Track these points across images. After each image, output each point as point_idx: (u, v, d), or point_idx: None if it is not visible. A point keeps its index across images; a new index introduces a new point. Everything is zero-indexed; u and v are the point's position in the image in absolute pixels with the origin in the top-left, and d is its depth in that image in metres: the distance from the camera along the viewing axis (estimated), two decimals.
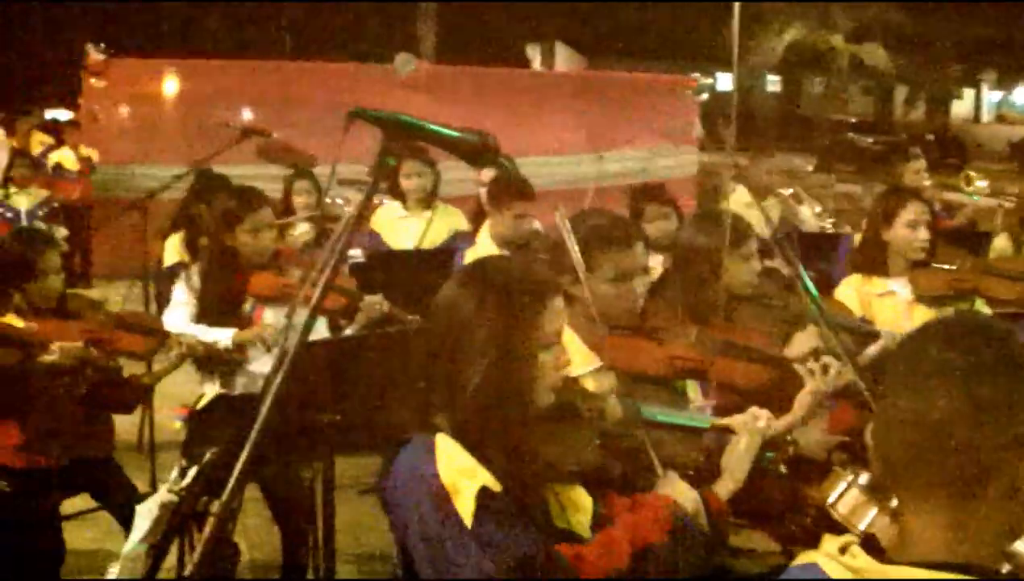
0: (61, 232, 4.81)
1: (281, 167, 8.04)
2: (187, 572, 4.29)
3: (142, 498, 4.77)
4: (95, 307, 4.63)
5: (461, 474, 2.31)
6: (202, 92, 12.47)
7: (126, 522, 4.60)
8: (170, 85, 12.64)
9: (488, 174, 6.42)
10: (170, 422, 5.69)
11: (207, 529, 2.00)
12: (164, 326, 4.67)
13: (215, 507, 1.96)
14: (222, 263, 4.94)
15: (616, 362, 3.38)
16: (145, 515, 2.38)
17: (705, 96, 13.81)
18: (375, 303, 4.87)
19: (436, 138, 2.15)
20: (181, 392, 5.10)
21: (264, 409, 1.95)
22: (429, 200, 6.70)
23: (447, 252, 6.02)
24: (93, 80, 12.30)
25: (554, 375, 2.54)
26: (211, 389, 4.92)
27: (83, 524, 5.11)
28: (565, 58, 32.25)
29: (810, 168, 13.26)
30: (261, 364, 4.82)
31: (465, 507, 2.28)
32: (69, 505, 4.87)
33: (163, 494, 2.46)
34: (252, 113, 11.52)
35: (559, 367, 2.56)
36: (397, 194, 6.72)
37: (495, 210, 5.64)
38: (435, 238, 6.62)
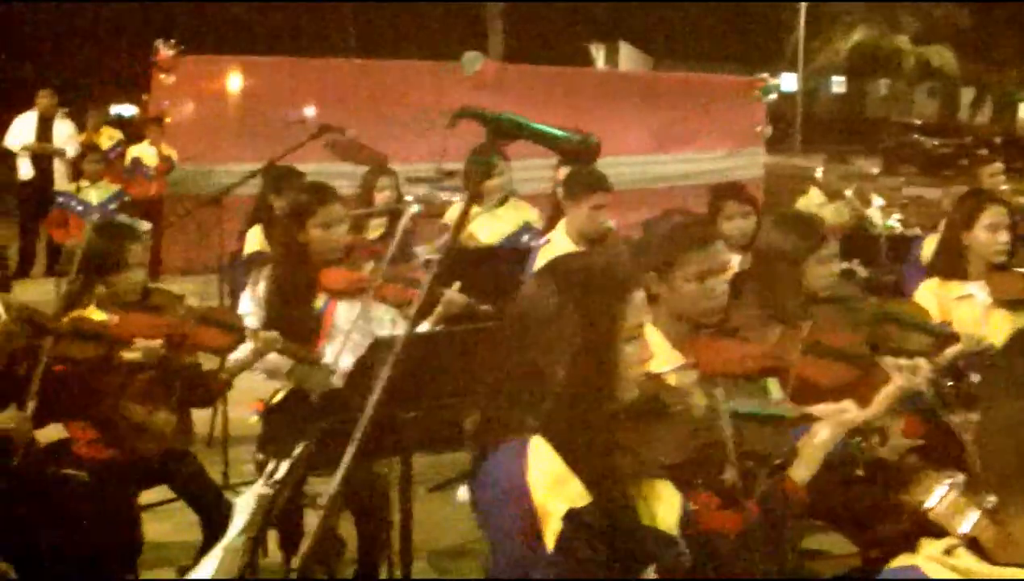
0: (143, 225, 4.84)
1: (352, 165, 8.12)
2: (293, 565, 4.37)
3: (218, 490, 4.88)
4: (177, 302, 4.64)
5: (551, 489, 2.33)
6: (271, 89, 12.57)
7: (203, 514, 4.69)
8: (239, 82, 12.72)
9: (564, 170, 6.44)
10: (243, 417, 5.74)
11: (317, 523, 2.02)
12: (244, 323, 4.69)
13: (319, 499, 1.98)
14: (293, 258, 4.94)
15: (700, 360, 3.37)
16: (243, 508, 2.40)
17: (773, 97, 13.72)
18: (454, 298, 4.86)
19: (540, 137, 2.16)
20: (252, 386, 5.12)
21: (372, 401, 1.95)
22: (504, 197, 6.74)
23: (522, 249, 6.03)
24: (162, 76, 12.43)
25: (637, 369, 2.56)
26: (285, 385, 4.96)
27: (159, 515, 5.16)
28: (629, 57, 32.18)
29: (876, 170, 13.14)
30: (334, 360, 4.86)
31: (551, 529, 2.31)
32: (146, 496, 4.90)
33: (260, 487, 2.49)
34: (321, 111, 11.59)
35: (642, 361, 2.58)
36: (475, 192, 6.75)
37: (572, 204, 5.65)
38: (505, 231, 6.70)
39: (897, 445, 3.50)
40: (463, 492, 5.22)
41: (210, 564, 2.24)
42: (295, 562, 4.37)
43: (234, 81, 12.68)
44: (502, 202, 6.75)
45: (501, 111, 2.13)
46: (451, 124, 2.11)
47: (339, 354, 4.79)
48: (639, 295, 2.56)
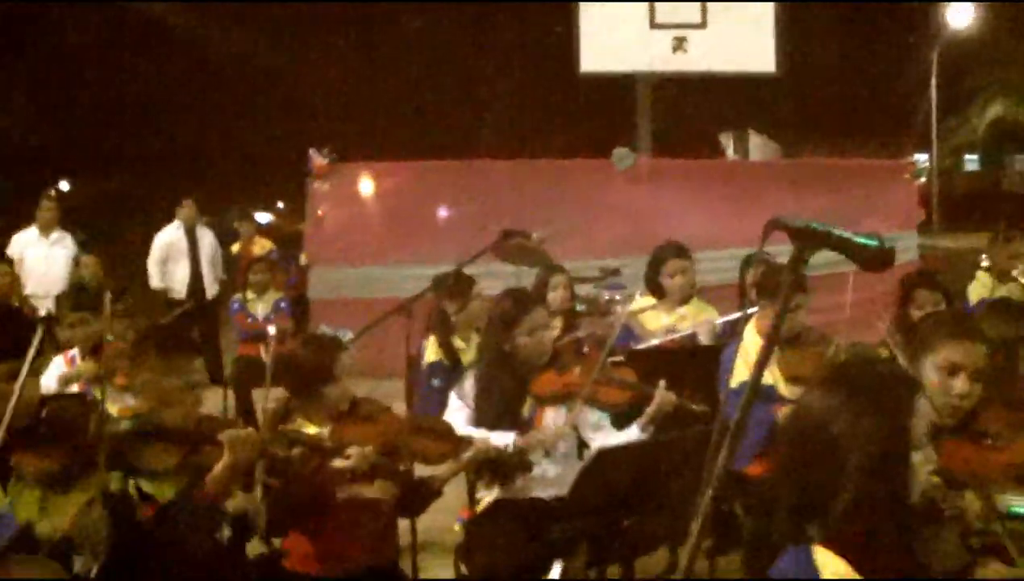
0: (348, 335, 4.84)
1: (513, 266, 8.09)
2: None
3: None
4: (387, 411, 4.61)
5: None
6: (427, 191, 12.73)
7: None
8: (392, 185, 12.93)
9: (756, 270, 6.33)
10: (444, 525, 5.68)
11: None
12: (454, 433, 4.63)
13: None
14: (501, 366, 4.93)
15: (953, 467, 3.21)
16: None
17: (923, 179, 13.48)
18: (667, 397, 4.76)
19: (841, 244, 2.08)
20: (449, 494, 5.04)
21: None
22: (688, 296, 6.64)
23: (715, 348, 5.91)
24: (317, 184, 12.70)
25: (924, 476, 2.45)
26: (491, 493, 4.89)
27: None
28: (758, 145, 32.02)
29: None
30: (542, 468, 4.79)
31: None
32: None
33: None
34: (481, 211, 11.67)
35: (928, 468, 2.48)
36: (657, 291, 6.67)
37: (765, 304, 5.53)
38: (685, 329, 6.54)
39: None
40: None
41: None
42: None
43: (389, 184, 12.89)
44: (685, 300, 6.64)
45: (808, 219, 2.04)
46: (765, 235, 2.03)
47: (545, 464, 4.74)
48: (924, 402, 2.45)
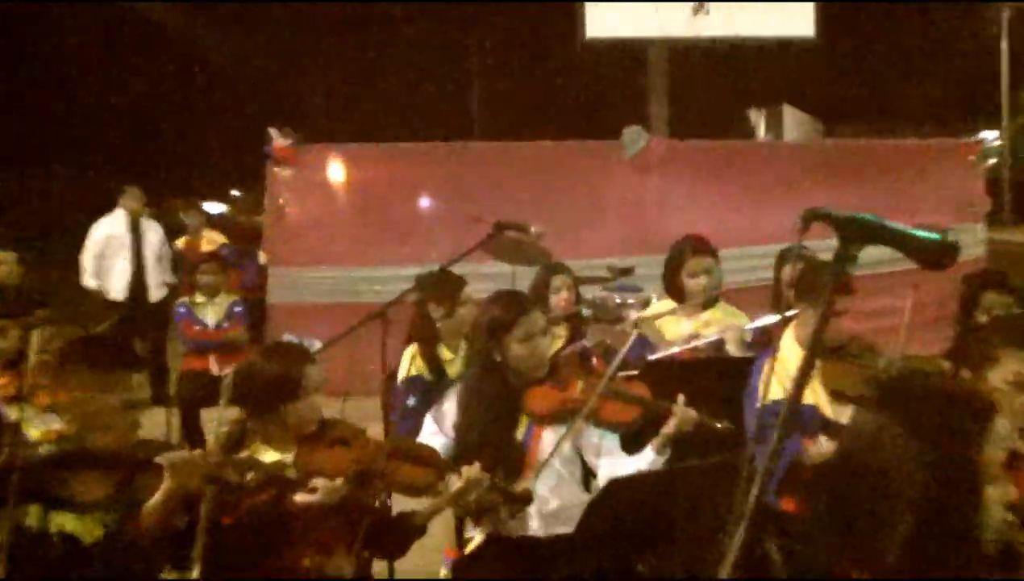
0: (315, 345, 4.78)
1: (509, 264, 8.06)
2: None
3: None
4: (360, 434, 4.56)
5: None
6: (407, 179, 12.70)
7: None
8: (367, 171, 12.88)
9: (794, 268, 6.31)
10: (431, 567, 5.64)
11: None
12: (442, 457, 4.60)
13: None
14: (490, 380, 4.89)
15: None
16: None
17: (992, 161, 13.43)
18: (687, 414, 4.72)
19: (895, 238, 2.05)
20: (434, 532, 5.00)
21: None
22: (712, 299, 6.61)
23: (744, 360, 5.88)
24: (278, 169, 12.66)
25: (999, 513, 2.44)
26: (479, 531, 4.86)
27: None
28: (795, 122, 31.98)
29: None
30: (541, 501, 4.76)
31: None
32: None
33: None
34: (468, 201, 11.66)
35: (1006, 501, 2.46)
36: (677, 293, 6.64)
37: (805, 307, 5.48)
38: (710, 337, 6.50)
39: None
40: None
41: None
42: None
43: (364, 171, 12.85)
44: (709, 304, 6.62)
45: (853, 212, 2.01)
46: (802, 228, 2.00)
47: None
48: (1002, 423, 2.43)
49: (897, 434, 2.37)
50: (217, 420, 4.71)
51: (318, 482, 4.26)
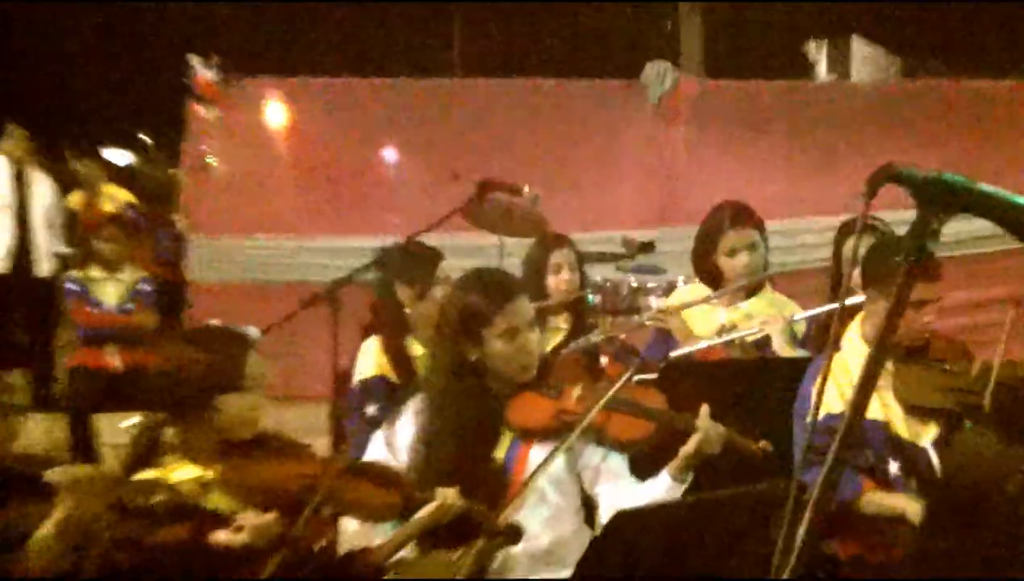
0: (253, 332, 4.71)
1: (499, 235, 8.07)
2: None
3: None
4: (303, 449, 4.55)
5: None
6: (368, 124, 12.64)
7: None
8: (316, 113, 12.81)
9: (859, 245, 6.30)
10: None
11: None
12: (407, 479, 4.59)
13: None
14: (461, 385, 4.86)
15: None
16: None
17: None
18: (712, 431, 4.68)
19: (992, 207, 2.02)
20: None
21: None
22: (757, 285, 6.58)
23: (794, 361, 5.88)
24: (201, 109, 12.60)
25: None
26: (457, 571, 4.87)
27: None
28: (865, 57, 32.04)
29: None
30: (530, 537, 4.77)
31: None
32: None
33: None
34: (446, 154, 11.65)
35: None
36: (710, 276, 6.61)
37: (873, 296, 5.46)
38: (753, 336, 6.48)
39: None
40: None
41: None
42: None
43: (311, 113, 12.78)
44: (753, 292, 6.60)
45: (938, 172, 1.99)
46: (870, 193, 1.98)
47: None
48: None
49: (1016, 457, 2.40)
50: (112, 427, 4.70)
51: (246, 518, 4.22)
